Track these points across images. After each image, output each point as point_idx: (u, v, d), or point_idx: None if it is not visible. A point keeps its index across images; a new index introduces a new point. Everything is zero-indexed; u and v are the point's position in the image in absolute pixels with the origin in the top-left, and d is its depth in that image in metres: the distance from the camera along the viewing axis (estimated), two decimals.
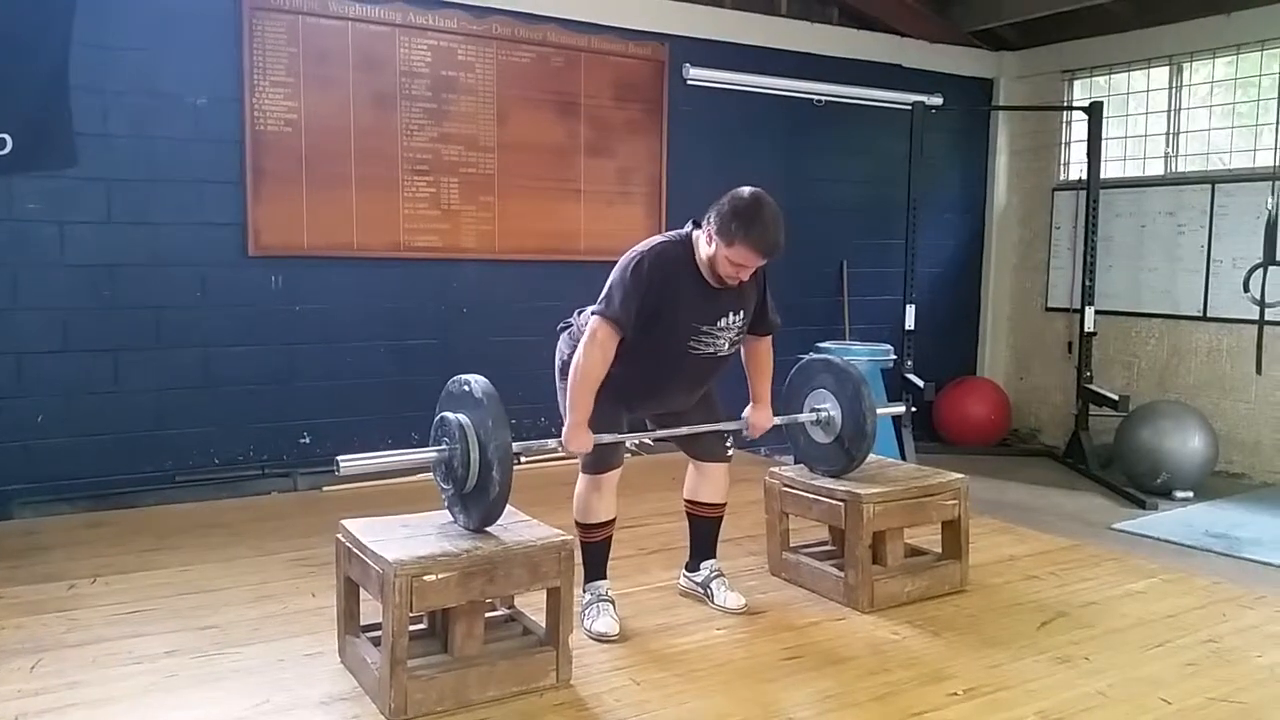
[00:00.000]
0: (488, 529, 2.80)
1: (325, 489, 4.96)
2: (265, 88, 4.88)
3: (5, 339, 4.46)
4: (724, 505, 3.48)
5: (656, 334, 3.03)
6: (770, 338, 3.37)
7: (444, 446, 2.78)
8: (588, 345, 2.99)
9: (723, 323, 3.10)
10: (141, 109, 4.63)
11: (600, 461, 3.15)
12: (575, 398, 3.00)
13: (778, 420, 3.48)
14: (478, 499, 2.76)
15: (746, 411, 3.41)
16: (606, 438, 3.07)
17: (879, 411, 3.51)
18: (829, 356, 3.75)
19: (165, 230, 4.73)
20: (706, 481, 3.43)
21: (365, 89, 5.14)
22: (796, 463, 3.84)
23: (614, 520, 3.27)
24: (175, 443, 4.83)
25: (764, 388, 3.40)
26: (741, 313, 3.14)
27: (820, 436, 3.59)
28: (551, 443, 3.06)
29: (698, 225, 3.06)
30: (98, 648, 3.00)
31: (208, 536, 4.19)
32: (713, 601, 3.41)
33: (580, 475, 3.23)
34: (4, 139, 4.25)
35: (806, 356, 3.81)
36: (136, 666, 2.88)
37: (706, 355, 3.11)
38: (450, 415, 2.79)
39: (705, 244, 3.01)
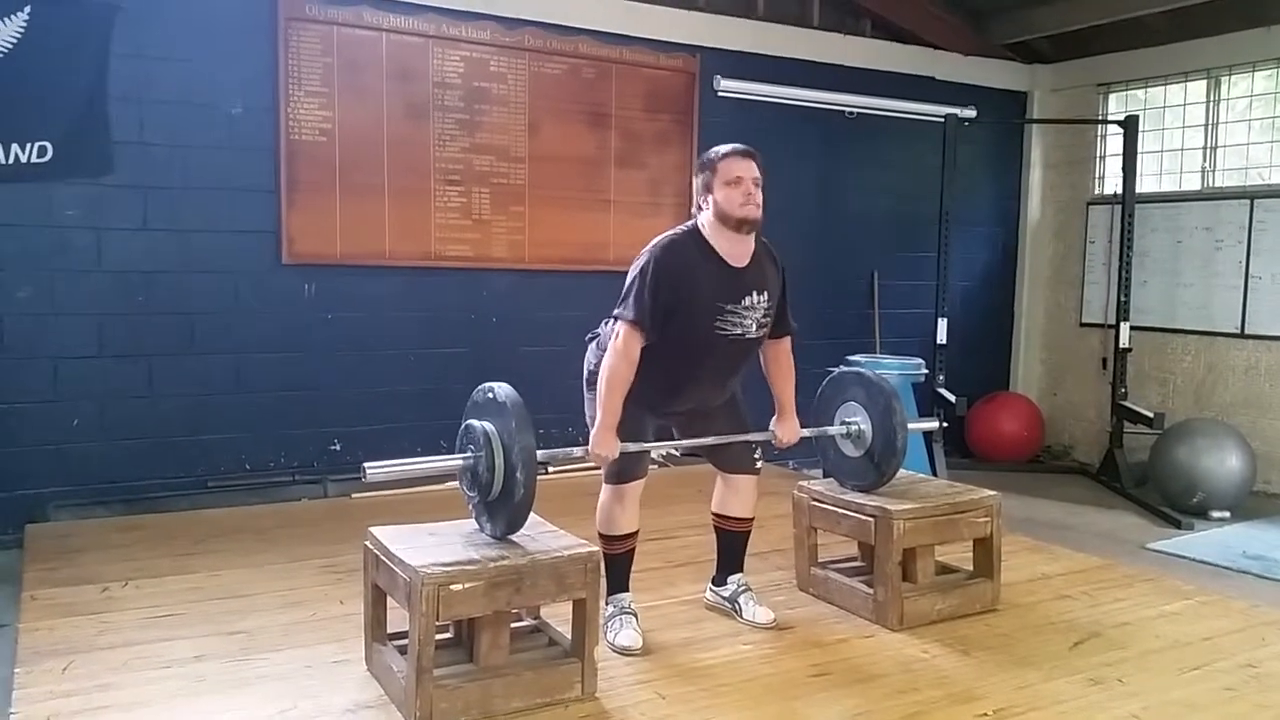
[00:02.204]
0: (514, 538, 2.80)
1: (354, 496, 4.98)
2: (300, 97, 4.94)
3: (42, 343, 4.53)
4: (752, 519, 3.45)
5: (681, 319, 3.03)
6: (789, 340, 3.36)
7: (469, 454, 2.79)
8: (612, 350, 3.00)
9: (747, 301, 3.09)
10: (178, 118, 4.69)
11: (623, 471, 3.15)
12: (602, 402, 3.00)
13: (806, 432, 3.45)
14: (503, 505, 2.76)
15: (773, 424, 3.39)
16: (632, 446, 3.07)
17: (910, 426, 3.48)
18: (861, 369, 3.72)
19: (200, 237, 4.79)
20: (735, 495, 3.41)
21: (398, 99, 5.18)
22: (825, 476, 3.80)
23: (637, 533, 3.26)
24: (207, 448, 4.88)
25: (788, 396, 3.38)
26: (765, 293, 3.13)
27: (850, 450, 3.56)
28: (578, 450, 3.07)
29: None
30: (129, 651, 3.03)
31: (238, 542, 4.22)
32: (741, 616, 3.39)
33: (603, 485, 3.23)
34: (44, 146, 4.35)
35: (837, 369, 3.77)
36: (166, 670, 2.91)
37: (734, 337, 3.10)
38: (475, 422, 2.80)
39: (709, 209, 3.08)
